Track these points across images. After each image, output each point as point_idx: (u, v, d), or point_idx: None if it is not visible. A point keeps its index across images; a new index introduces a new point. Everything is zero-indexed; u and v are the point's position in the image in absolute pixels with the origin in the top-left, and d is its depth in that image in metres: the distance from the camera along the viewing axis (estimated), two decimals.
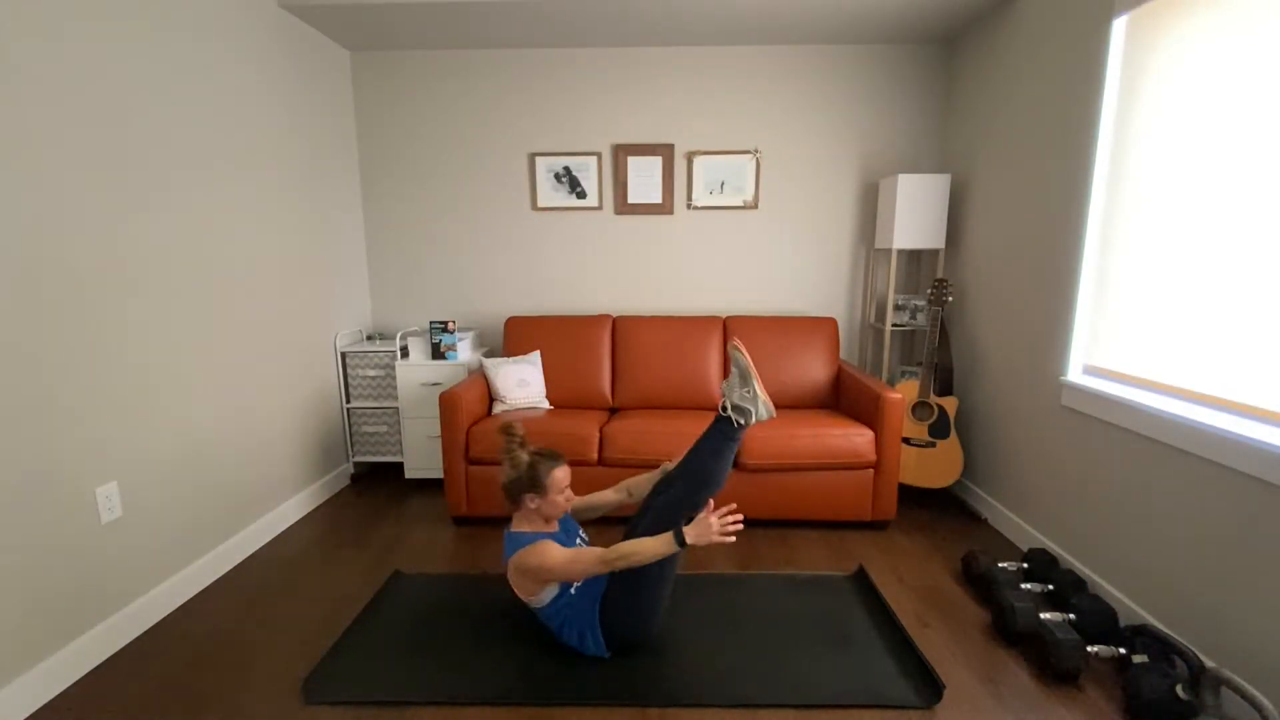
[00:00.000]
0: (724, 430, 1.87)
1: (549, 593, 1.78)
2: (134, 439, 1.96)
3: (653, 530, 1.77)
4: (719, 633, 1.93)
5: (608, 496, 2.07)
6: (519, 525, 1.85)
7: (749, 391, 1.86)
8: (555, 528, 1.88)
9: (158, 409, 2.06)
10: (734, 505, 1.78)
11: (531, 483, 1.80)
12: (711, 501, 1.82)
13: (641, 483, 2.04)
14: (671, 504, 1.82)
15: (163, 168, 2.07)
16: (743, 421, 1.86)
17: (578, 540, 1.92)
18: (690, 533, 1.69)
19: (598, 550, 1.71)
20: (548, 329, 3.19)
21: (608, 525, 2.69)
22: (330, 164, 3.09)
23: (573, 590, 1.80)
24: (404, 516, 2.85)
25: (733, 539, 1.72)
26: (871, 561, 2.42)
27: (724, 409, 1.89)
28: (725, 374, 3.14)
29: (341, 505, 2.98)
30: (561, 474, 1.83)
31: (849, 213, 3.34)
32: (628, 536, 1.88)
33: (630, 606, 1.76)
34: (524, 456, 1.82)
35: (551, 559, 1.71)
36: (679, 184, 3.33)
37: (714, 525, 1.70)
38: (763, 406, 1.86)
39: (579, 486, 2.67)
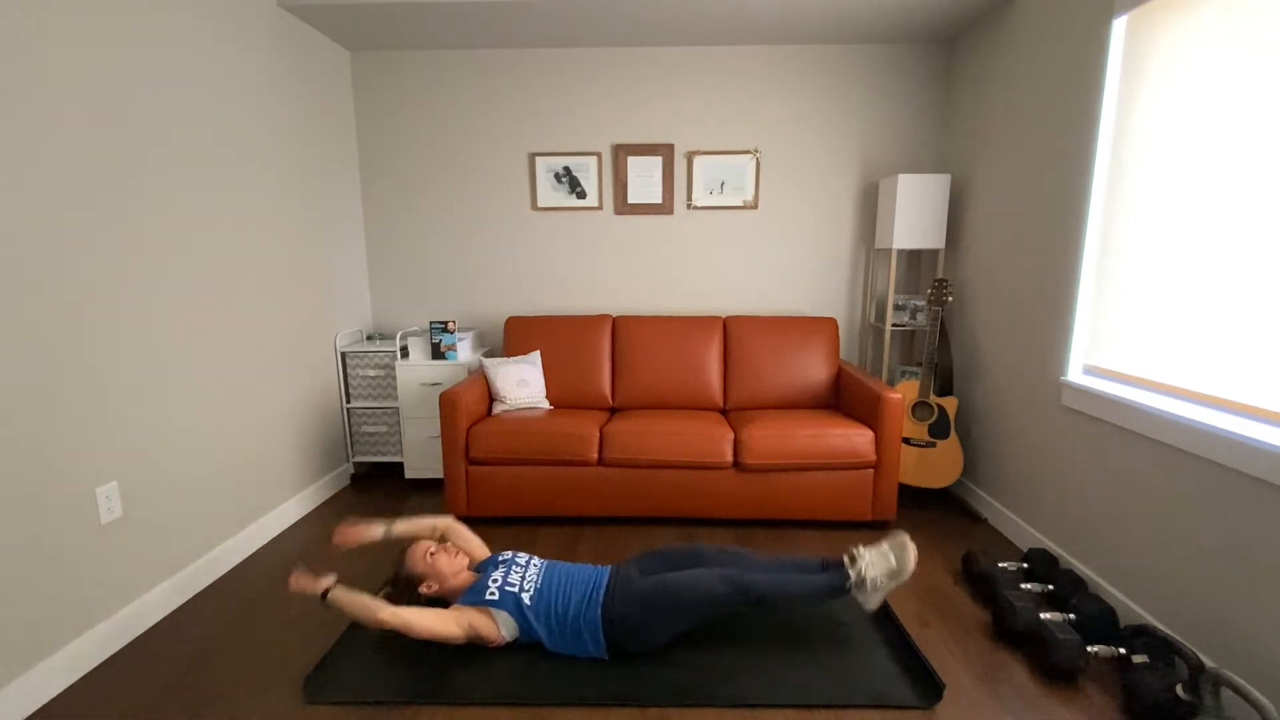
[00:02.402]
0: (836, 586, 1.80)
1: (507, 627, 1.80)
2: (134, 439, 1.96)
3: (704, 582, 1.77)
4: (718, 633, 1.93)
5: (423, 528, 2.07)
6: (453, 599, 1.88)
7: (884, 587, 1.79)
8: (469, 579, 1.91)
9: (158, 409, 2.06)
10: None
11: (410, 583, 1.88)
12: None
13: (452, 529, 2.07)
14: (742, 589, 1.77)
15: (162, 168, 2.07)
16: (854, 594, 1.80)
17: (499, 570, 1.90)
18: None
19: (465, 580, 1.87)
20: (548, 329, 3.19)
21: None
22: (330, 164, 3.10)
23: (528, 600, 1.80)
24: (404, 516, 2.84)
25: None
26: None
27: (850, 567, 1.81)
28: (728, 377, 3.13)
29: (342, 505, 2.98)
30: (413, 553, 1.89)
31: (849, 213, 3.34)
32: (667, 559, 1.97)
33: (641, 621, 1.77)
34: (382, 592, 1.90)
35: (419, 629, 1.73)
36: (679, 184, 3.33)
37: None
38: (875, 604, 1.80)
39: (579, 487, 2.68)
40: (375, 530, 1.94)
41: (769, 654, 1.83)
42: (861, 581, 1.78)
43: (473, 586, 1.86)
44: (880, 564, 1.79)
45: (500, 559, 1.97)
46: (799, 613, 1.97)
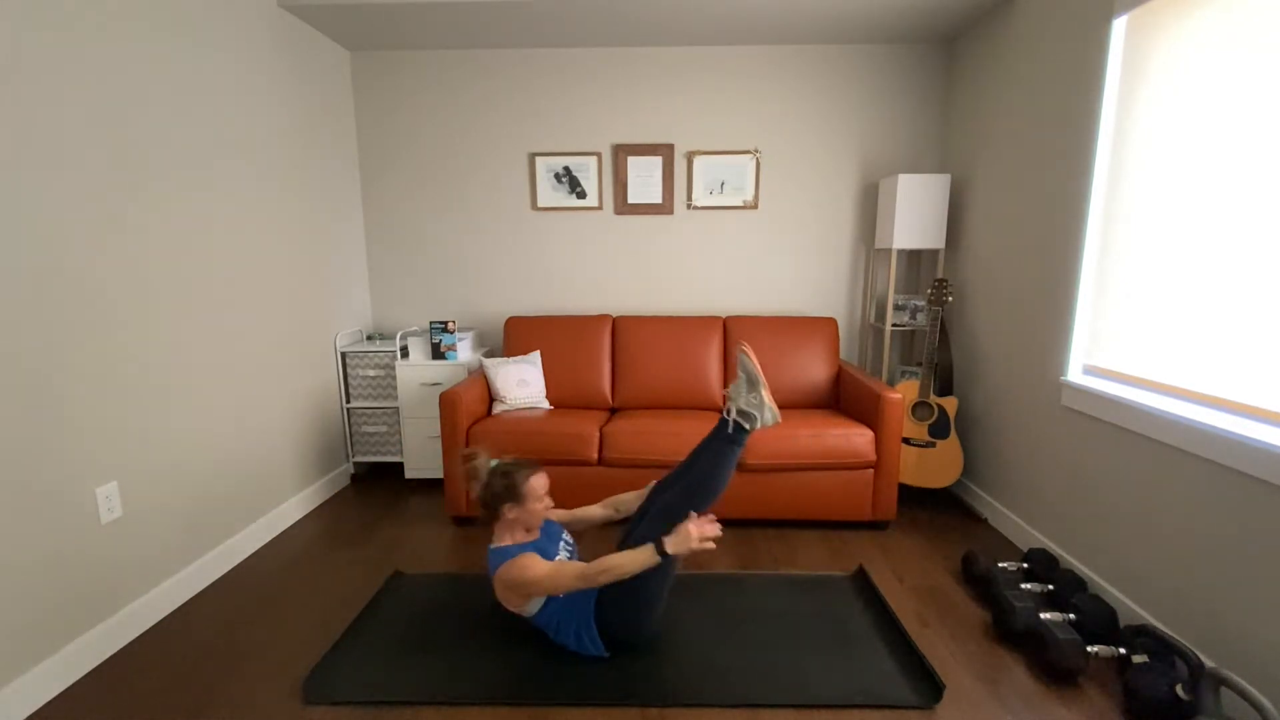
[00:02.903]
0: (728, 435, 1.86)
1: (535, 602, 1.78)
2: (134, 439, 1.96)
3: (650, 532, 1.77)
4: (719, 633, 1.93)
5: (594, 512, 2.06)
6: (500, 539, 1.84)
7: (756, 397, 1.85)
8: (536, 535, 1.88)
9: (158, 409, 2.06)
10: (712, 515, 1.77)
11: (508, 492, 1.79)
12: (692, 513, 1.79)
13: (628, 499, 2.04)
14: (671, 507, 1.81)
15: (162, 168, 2.07)
16: (748, 427, 1.85)
17: (561, 544, 1.91)
18: (670, 542, 1.69)
19: (579, 565, 1.71)
20: (548, 329, 3.19)
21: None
22: (330, 164, 3.10)
23: (560, 596, 1.79)
24: (404, 516, 2.85)
25: (712, 546, 1.71)
26: (871, 561, 2.42)
27: (728, 413, 1.88)
28: (728, 377, 3.14)
29: (341, 505, 2.98)
30: (538, 481, 1.82)
31: (849, 213, 3.34)
32: (625, 537, 1.89)
33: (626, 606, 1.76)
34: (492, 465, 1.82)
35: (534, 573, 1.71)
36: (679, 184, 3.33)
37: (693, 533, 1.69)
38: (769, 412, 1.85)
39: (579, 487, 2.68)
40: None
41: (769, 654, 1.83)
42: (744, 414, 1.84)
43: (539, 545, 1.82)
44: (739, 390, 1.87)
45: (563, 535, 1.95)
46: (726, 479, 1.89)
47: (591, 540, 2.59)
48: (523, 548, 1.79)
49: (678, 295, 3.44)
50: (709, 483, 1.84)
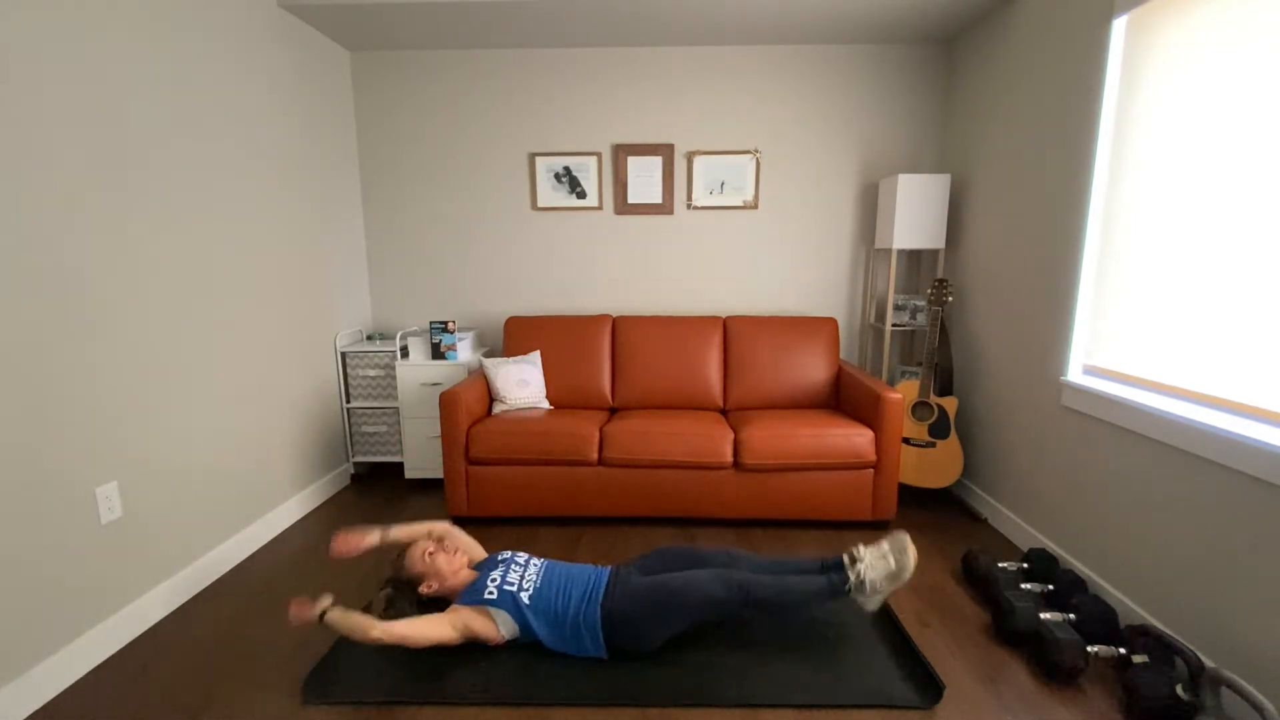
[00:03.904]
0: (834, 585, 1.79)
1: (506, 626, 1.80)
2: (134, 439, 1.96)
3: (703, 583, 1.77)
4: (719, 633, 1.93)
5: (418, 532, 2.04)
6: (453, 598, 1.88)
7: (884, 589, 1.78)
8: (472, 577, 1.91)
9: (158, 409, 2.06)
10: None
11: (406, 582, 1.88)
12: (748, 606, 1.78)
13: (448, 532, 2.04)
14: (740, 589, 1.77)
15: (162, 168, 2.07)
16: (854, 596, 1.79)
17: (499, 566, 1.92)
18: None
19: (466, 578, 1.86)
20: (548, 329, 3.19)
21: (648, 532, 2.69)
22: (330, 164, 3.10)
23: (526, 599, 1.80)
24: (404, 516, 2.85)
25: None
26: None
27: (849, 569, 1.80)
28: (728, 378, 3.13)
29: (342, 505, 2.98)
30: (411, 553, 1.89)
31: (849, 213, 3.34)
32: (667, 558, 1.95)
33: (640, 619, 1.77)
34: (382, 593, 1.89)
35: (411, 639, 1.71)
36: (679, 184, 3.33)
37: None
38: (875, 605, 1.80)
39: (579, 487, 2.68)
40: (372, 536, 1.91)
41: (769, 654, 1.83)
42: (861, 584, 1.78)
43: (472, 585, 1.87)
44: (880, 566, 1.78)
45: (500, 558, 1.97)
46: (797, 616, 1.97)
47: (591, 541, 2.59)
48: (459, 603, 1.82)
49: (678, 295, 3.44)
50: (782, 603, 1.78)
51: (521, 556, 1.98)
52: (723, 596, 1.76)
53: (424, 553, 1.90)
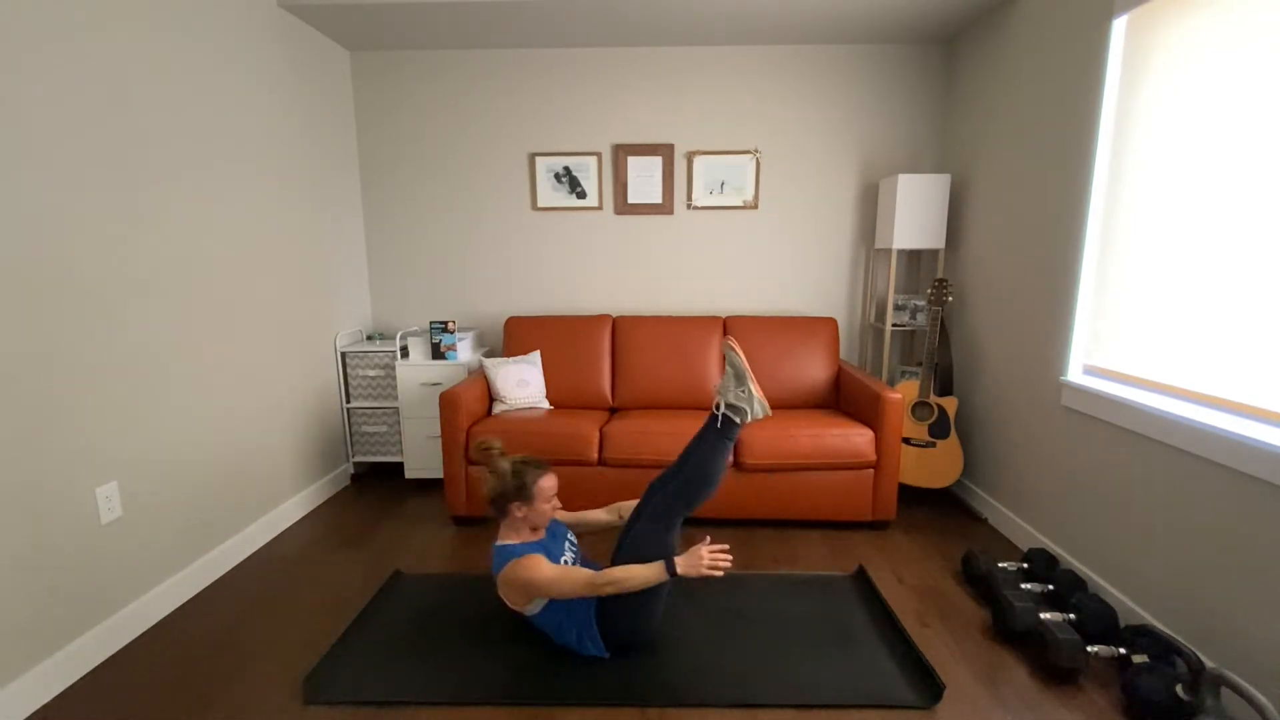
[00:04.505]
0: (718, 430, 1.87)
1: (538, 603, 1.78)
2: (134, 439, 1.96)
3: (648, 530, 1.78)
4: (719, 633, 1.93)
5: (599, 516, 2.08)
6: (505, 537, 1.85)
7: (744, 391, 1.86)
8: (542, 535, 1.88)
9: (158, 409, 2.06)
10: (726, 546, 1.79)
11: (518, 491, 1.80)
12: (709, 537, 1.83)
13: (632, 506, 2.04)
14: (668, 502, 1.82)
15: (161, 168, 2.07)
16: (738, 420, 1.86)
17: (566, 544, 1.91)
18: (681, 563, 1.71)
19: (587, 573, 1.71)
20: (548, 329, 3.19)
21: None
22: (330, 164, 3.10)
23: (561, 601, 1.79)
24: (404, 516, 2.85)
25: (720, 574, 1.71)
26: (871, 561, 2.42)
27: (718, 408, 1.88)
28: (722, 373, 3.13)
29: (342, 505, 2.98)
30: (548, 482, 1.84)
31: (849, 213, 3.34)
32: (623, 535, 1.88)
33: (628, 607, 1.76)
34: (506, 465, 1.83)
35: (541, 575, 1.71)
36: (679, 184, 3.33)
37: (704, 558, 1.70)
38: (758, 405, 1.86)
39: (579, 486, 2.68)
40: None
41: (769, 654, 1.83)
42: (733, 407, 1.86)
43: (544, 545, 1.83)
44: (727, 385, 1.89)
45: (568, 535, 1.96)
46: (720, 472, 1.90)
47: (591, 542, 2.59)
48: (529, 547, 1.79)
49: (678, 295, 3.44)
50: (703, 478, 1.85)
51: (573, 536, 1.98)
52: (665, 525, 1.78)
53: (553, 494, 1.86)
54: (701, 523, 2.77)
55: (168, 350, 2.10)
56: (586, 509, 2.65)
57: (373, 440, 3.25)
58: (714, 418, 1.89)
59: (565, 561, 1.85)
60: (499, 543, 1.84)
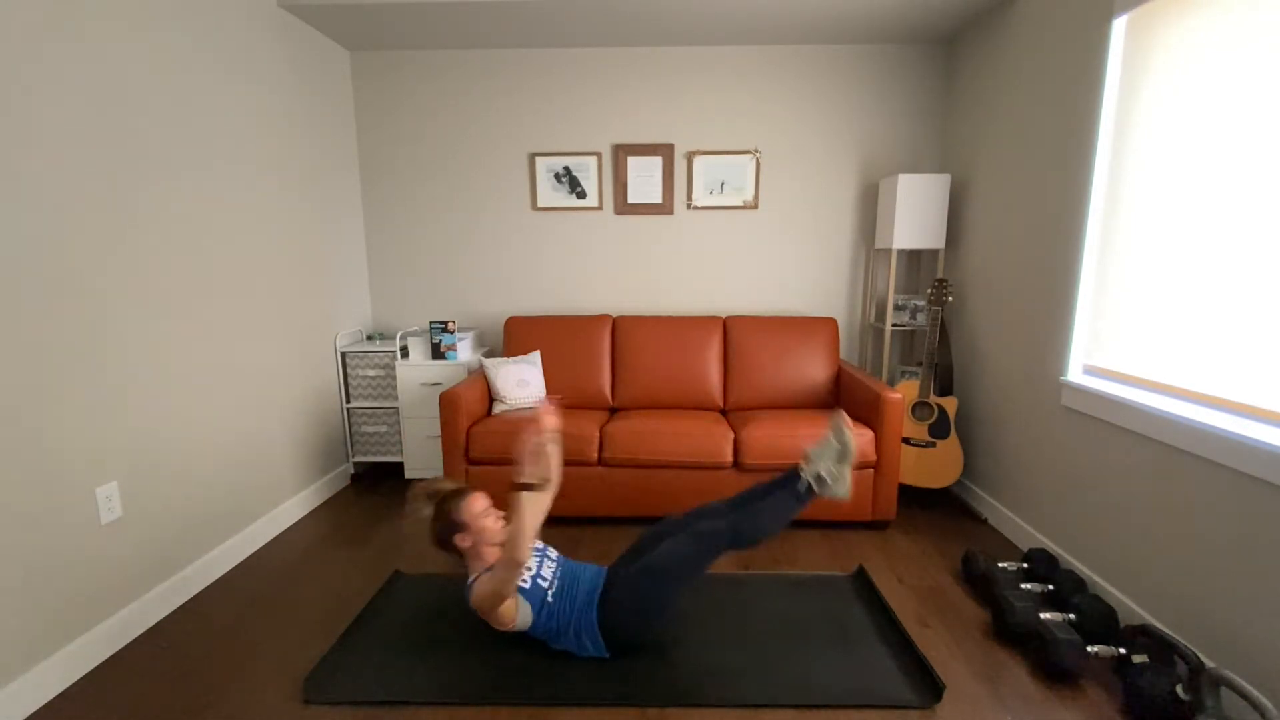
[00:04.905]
0: (798, 492, 1.84)
1: (525, 617, 1.77)
2: (134, 439, 1.96)
3: (682, 551, 1.77)
4: (718, 633, 1.93)
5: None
6: (472, 571, 1.82)
7: (840, 470, 1.82)
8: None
9: (158, 409, 2.06)
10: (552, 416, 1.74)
11: (450, 525, 1.80)
12: (731, 546, 1.79)
13: (543, 466, 1.89)
14: (711, 536, 1.79)
15: (161, 168, 2.07)
16: (819, 493, 1.83)
17: (546, 561, 1.89)
18: (529, 475, 1.70)
19: (500, 559, 1.66)
20: (548, 329, 3.19)
21: (621, 526, 2.69)
22: (330, 164, 3.10)
23: (549, 598, 1.78)
24: (404, 516, 2.85)
25: (548, 431, 1.67)
26: (871, 561, 2.42)
27: (804, 471, 1.84)
28: (728, 378, 3.13)
29: (342, 505, 2.98)
30: (473, 503, 1.82)
31: (849, 213, 3.34)
32: (646, 543, 1.91)
33: (634, 608, 1.76)
34: (427, 506, 1.82)
35: (481, 591, 1.70)
36: (679, 184, 3.33)
37: (530, 445, 1.68)
38: (844, 487, 1.83)
39: (579, 486, 2.68)
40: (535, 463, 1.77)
41: (769, 654, 1.83)
42: (819, 479, 1.82)
43: None
44: (827, 454, 1.84)
45: (536, 546, 1.93)
46: (776, 532, 1.93)
47: (595, 547, 2.59)
48: (487, 571, 1.77)
49: (678, 295, 3.44)
50: (759, 526, 1.81)
51: (553, 553, 1.95)
52: (701, 550, 1.77)
53: (486, 508, 1.82)
54: None
55: (168, 350, 2.10)
56: (577, 512, 2.66)
57: (373, 440, 3.25)
58: (797, 478, 1.85)
59: (547, 563, 1.84)
60: (469, 579, 1.81)
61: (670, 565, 1.77)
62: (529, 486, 1.69)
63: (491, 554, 1.83)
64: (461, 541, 1.81)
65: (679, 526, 1.92)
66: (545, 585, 1.81)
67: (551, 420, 1.76)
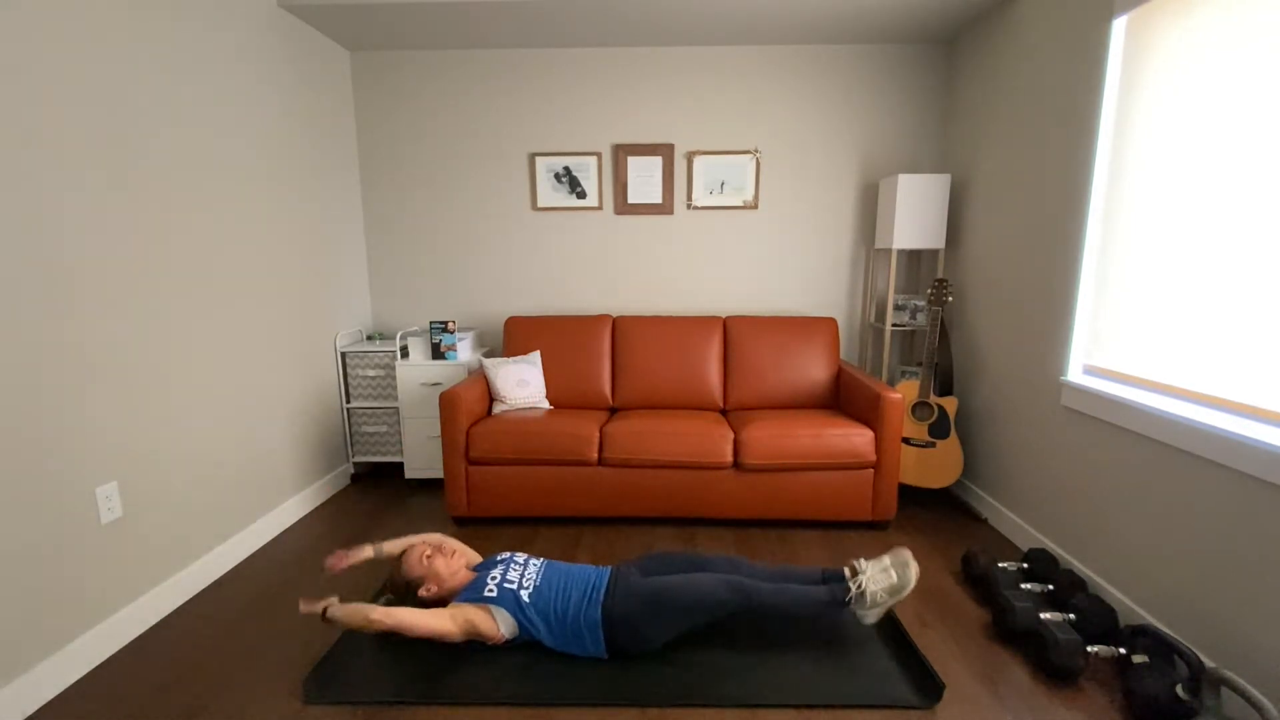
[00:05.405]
0: (835, 599, 1.79)
1: (505, 623, 1.79)
2: (134, 439, 1.96)
3: (707, 585, 1.78)
4: (719, 633, 1.93)
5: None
6: (456, 598, 1.87)
7: (884, 602, 1.78)
8: (471, 576, 1.93)
9: (158, 409, 2.06)
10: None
11: (407, 584, 1.89)
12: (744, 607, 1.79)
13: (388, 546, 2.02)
14: (744, 592, 1.77)
15: (161, 167, 2.07)
16: (851, 605, 1.80)
17: (496, 568, 1.92)
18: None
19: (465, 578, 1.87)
20: (548, 329, 3.19)
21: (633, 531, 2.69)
22: (330, 164, 3.09)
23: (526, 596, 1.81)
24: (404, 516, 2.85)
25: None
26: None
27: (851, 582, 1.80)
28: (728, 378, 3.13)
29: (342, 505, 2.98)
30: (412, 554, 1.91)
31: (849, 213, 3.34)
32: (673, 563, 1.97)
33: (641, 615, 1.77)
34: (383, 586, 1.94)
35: (416, 628, 1.73)
36: (679, 184, 3.33)
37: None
38: (874, 618, 1.80)
39: (579, 487, 2.68)
40: (365, 551, 1.94)
41: (769, 654, 1.83)
42: (861, 596, 1.78)
43: (471, 584, 1.87)
44: (881, 579, 1.78)
45: (499, 559, 1.97)
46: (796, 621, 1.97)
47: (598, 549, 2.59)
48: (459, 600, 1.82)
49: (678, 295, 3.44)
50: (779, 606, 1.78)
51: (520, 556, 1.98)
52: (724, 598, 1.77)
53: (421, 556, 1.91)
54: (702, 523, 2.77)
55: (167, 350, 2.10)
56: (577, 511, 2.68)
57: (373, 440, 3.25)
58: (843, 588, 1.80)
59: (493, 579, 1.86)
60: (453, 603, 1.85)
61: (692, 596, 1.77)
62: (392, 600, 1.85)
63: (460, 578, 1.92)
64: (427, 592, 1.88)
65: (716, 566, 1.95)
66: (514, 586, 1.83)
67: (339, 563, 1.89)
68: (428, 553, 1.91)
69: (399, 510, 2.92)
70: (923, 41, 3.15)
